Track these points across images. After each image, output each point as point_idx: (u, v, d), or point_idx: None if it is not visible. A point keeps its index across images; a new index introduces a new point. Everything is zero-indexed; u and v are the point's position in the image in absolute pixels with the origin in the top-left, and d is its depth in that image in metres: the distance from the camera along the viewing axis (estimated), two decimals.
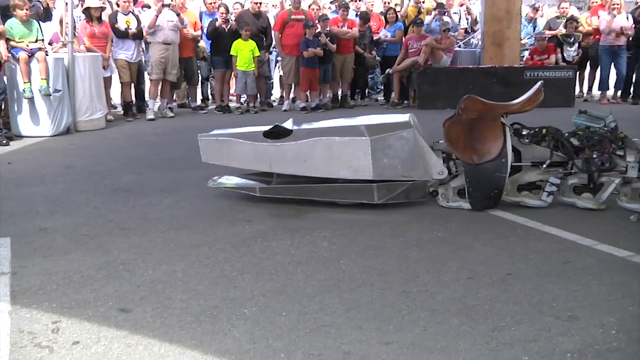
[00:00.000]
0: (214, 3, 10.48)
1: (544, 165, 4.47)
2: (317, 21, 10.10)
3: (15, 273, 3.36)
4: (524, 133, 4.58)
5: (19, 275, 3.33)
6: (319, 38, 9.90)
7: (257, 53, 9.87)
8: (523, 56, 11.41)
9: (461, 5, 12.80)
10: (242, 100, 10.53)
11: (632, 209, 4.33)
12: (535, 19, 12.26)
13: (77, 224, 4.25)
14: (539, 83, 4.64)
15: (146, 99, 9.70)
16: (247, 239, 3.93)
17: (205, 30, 10.03)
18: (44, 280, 3.25)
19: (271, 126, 4.81)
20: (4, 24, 7.51)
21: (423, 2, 11.59)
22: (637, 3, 11.81)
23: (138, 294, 3.09)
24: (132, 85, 9.55)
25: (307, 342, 2.60)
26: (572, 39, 10.97)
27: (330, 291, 3.12)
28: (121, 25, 9.00)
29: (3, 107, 7.71)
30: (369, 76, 11.60)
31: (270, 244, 3.83)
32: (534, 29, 12.01)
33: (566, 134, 4.58)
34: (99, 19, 8.79)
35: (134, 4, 9.71)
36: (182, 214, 4.50)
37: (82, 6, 8.94)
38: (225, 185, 4.96)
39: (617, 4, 10.60)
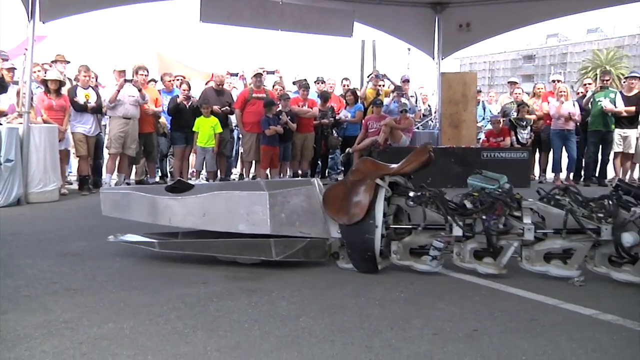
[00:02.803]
0: (172, 81, 10.60)
1: (419, 228, 4.40)
2: (278, 100, 10.25)
3: None
4: (411, 195, 4.48)
5: None
6: (280, 117, 10.01)
7: (219, 129, 9.89)
8: (479, 138, 11.74)
9: (420, 88, 13.26)
10: (201, 176, 10.44)
11: (538, 272, 4.23)
12: (482, 100, 12.70)
13: (18, 285, 3.97)
14: (424, 143, 4.67)
15: (103, 174, 9.52)
16: (202, 299, 3.72)
17: (166, 107, 10.06)
18: None
19: (174, 181, 4.73)
20: None
21: (383, 85, 11.93)
22: (578, 93, 12.43)
23: (79, 350, 2.84)
24: (89, 159, 9.36)
25: None
26: (525, 122, 11.38)
27: (288, 347, 2.93)
28: (80, 99, 8.95)
29: None
30: (330, 156, 11.71)
31: (227, 303, 3.63)
32: (484, 110, 12.45)
33: (461, 196, 4.50)
34: (57, 92, 8.73)
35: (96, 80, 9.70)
36: (133, 276, 4.27)
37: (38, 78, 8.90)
38: (126, 241, 4.90)
39: (564, 92, 11.14)
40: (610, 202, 4.22)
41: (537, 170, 12.03)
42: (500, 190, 4.46)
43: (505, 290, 4.00)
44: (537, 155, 11.94)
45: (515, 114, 11.54)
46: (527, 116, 11.43)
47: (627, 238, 4.00)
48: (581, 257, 4.19)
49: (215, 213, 4.57)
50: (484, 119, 12.32)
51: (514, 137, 11.20)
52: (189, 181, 5.20)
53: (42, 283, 4.03)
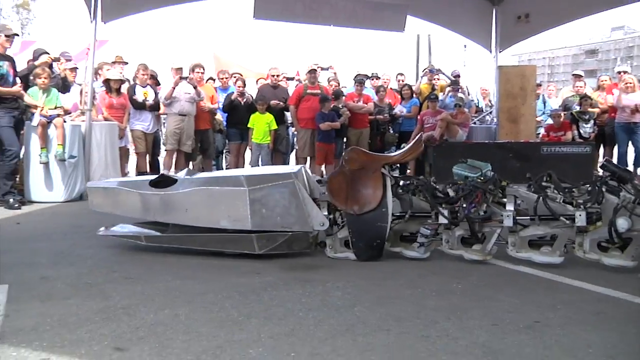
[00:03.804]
0: (227, 78, 10.70)
1: (406, 216, 4.44)
2: (332, 96, 10.19)
3: (8, 316, 3.17)
4: (401, 184, 4.57)
5: (11, 318, 3.13)
6: (340, 112, 9.93)
7: (274, 126, 9.91)
8: (539, 133, 11.38)
9: (482, 89, 13.03)
10: None
11: (522, 258, 4.23)
12: (541, 94, 12.31)
13: (79, 273, 4.08)
14: (419, 135, 4.74)
15: (161, 170, 9.70)
16: (256, 288, 3.72)
17: (221, 104, 10.16)
18: (38, 321, 3.06)
19: (157, 175, 4.90)
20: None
21: (438, 79, 11.74)
22: None
23: (136, 334, 2.88)
24: (147, 156, 9.57)
25: None
26: (588, 116, 10.96)
27: (343, 335, 2.88)
28: (139, 96, 9.15)
29: (18, 172, 7.72)
30: (385, 152, 11.59)
31: (280, 292, 3.62)
32: (544, 104, 12.06)
33: (445, 184, 4.59)
34: (118, 91, 8.97)
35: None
36: (188, 266, 4.31)
37: (99, 76, 9.16)
38: (115, 234, 4.93)
39: (630, 83, 10.66)
40: (591, 188, 4.18)
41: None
42: (481, 178, 4.51)
43: (568, 283, 3.85)
44: (601, 150, 11.47)
45: (577, 107, 11.12)
46: (590, 109, 10.98)
47: (622, 223, 3.96)
48: (562, 243, 4.17)
49: (197, 209, 4.61)
50: (543, 113, 11.93)
51: (575, 132, 10.78)
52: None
53: (101, 271, 4.13)
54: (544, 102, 12.13)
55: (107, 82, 8.99)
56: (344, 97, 10.26)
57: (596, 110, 11.08)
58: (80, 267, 4.26)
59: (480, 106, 12.67)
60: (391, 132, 10.97)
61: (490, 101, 12.78)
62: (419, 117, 10.78)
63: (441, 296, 3.54)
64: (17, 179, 7.76)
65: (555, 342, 2.77)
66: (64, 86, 8.68)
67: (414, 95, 11.32)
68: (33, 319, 3.10)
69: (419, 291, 3.66)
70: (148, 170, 9.51)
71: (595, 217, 4.09)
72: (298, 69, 13.14)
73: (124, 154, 9.27)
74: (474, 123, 11.51)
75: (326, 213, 4.54)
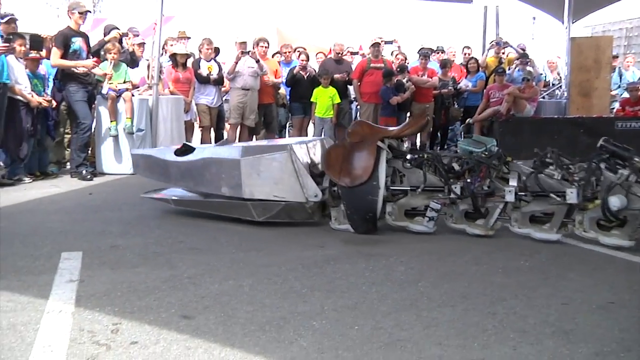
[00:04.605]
0: (290, 53, 10.66)
1: (419, 190, 4.39)
2: (397, 69, 10.02)
3: (83, 281, 3.29)
4: (408, 157, 4.51)
5: (85, 283, 3.25)
6: (405, 86, 9.76)
7: (337, 100, 9.85)
8: (613, 108, 10.87)
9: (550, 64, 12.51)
10: None
11: (524, 234, 4.17)
12: (618, 67, 11.69)
13: (147, 243, 4.19)
14: (424, 109, 4.70)
15: None
16: (319, 261, 3.72)
17: (284, 78, 10.16)
18: (109, 288, 3.16)
19: (181, 144, 5.42)
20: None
21: (504, 52, 11.35)
22: None
23: (202, 303, 2.94)
24: (212, 129, 9.71)
25: (380, 354, 2.34)
26: None
27: (407, 309, 2.85)
28: (203, 71, 9.24)
29: (90, 145, 7.99)
30: (449, 127, 11.35)
31: (344, 266, 3.61)
32: (620, 77, 11.46)
33: (449, 158, 4.55)
34: (184, 65, 9.09)
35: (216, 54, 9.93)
36: (253, 238, 4.37)
37: (166, 52, 9.32)
38: (153, 196, 5.47)
39: None
40: (587, 165, 4.08)
41: None
42: (486, 153, 4.45)
43: None
44: None
45: None
46: None
47: (614, 201, 3.85)
48: (559, 220, 4.10)
49: (204, 177, 4.97)
50: (619, 86, 11.36)
51: None
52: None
53: (168, 242, 4.23)
54: (620, 75, 11.55)
55: (173, 56, 9.12)
56: (408, 72, 10.07)
57: None
58: (147, 237, 4.38)
59: (547, 80, 12.19)
60: (456, 106, 10.72)
61: (558, 74, 12.27)
62: (485, 92, 10.48)
63: (508, 273, 3.45)
64: (90, 151, 8.05)
65: (633, 325, 2.65)
66: (132, 61, 8.86)
67: (480, 69, 10.99)
68: (105, 285, 3.21)
69: (485, 267, 3.58)
70: (213, 143, 9.65)
71: (596, 195, 4.00)
72: (361, 44, 12.97)
73: (189, 127, 9.43)
74: (543, 97, 11.09)
75: (327, 185, 4.61)
